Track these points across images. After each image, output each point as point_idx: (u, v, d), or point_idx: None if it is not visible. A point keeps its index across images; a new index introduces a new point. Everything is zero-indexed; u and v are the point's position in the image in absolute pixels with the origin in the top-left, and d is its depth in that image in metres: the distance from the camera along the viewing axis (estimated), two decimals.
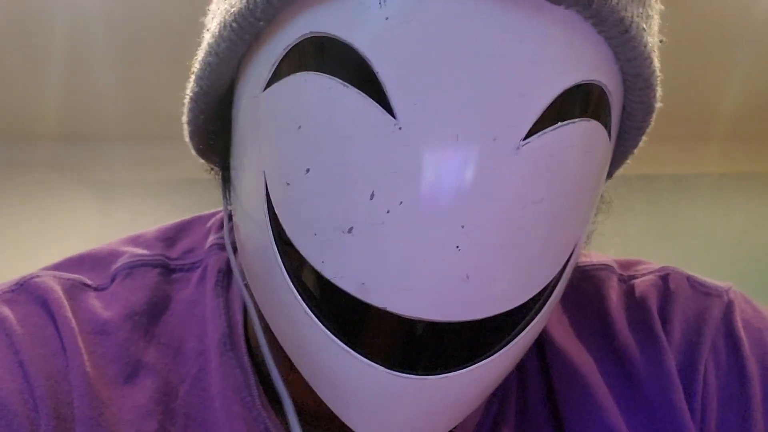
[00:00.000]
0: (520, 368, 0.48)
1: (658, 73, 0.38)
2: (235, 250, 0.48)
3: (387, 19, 0.32)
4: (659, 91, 0.39)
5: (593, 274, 0.51)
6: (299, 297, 0.36)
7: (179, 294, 0.48)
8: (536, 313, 0.38)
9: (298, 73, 0.35)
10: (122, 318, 0.46)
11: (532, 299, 0.36)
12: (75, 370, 0.42)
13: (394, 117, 0.32)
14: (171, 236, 0.52)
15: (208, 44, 0.39)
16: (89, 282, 0.47)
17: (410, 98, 0.32)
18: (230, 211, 0.45)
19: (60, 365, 0.43)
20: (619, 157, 0.43)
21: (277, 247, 0.37)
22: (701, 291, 0.49)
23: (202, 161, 0.47)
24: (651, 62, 0.37)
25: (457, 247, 0.33)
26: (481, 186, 0.32)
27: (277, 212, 0.36)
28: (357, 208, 0.33)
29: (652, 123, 0.41)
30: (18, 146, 2.56)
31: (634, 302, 0.49)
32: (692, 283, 0.50)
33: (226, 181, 0.44)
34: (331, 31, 0.34)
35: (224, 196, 0.45)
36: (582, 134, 0.35)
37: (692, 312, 0.48)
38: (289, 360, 0.42)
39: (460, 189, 0.32)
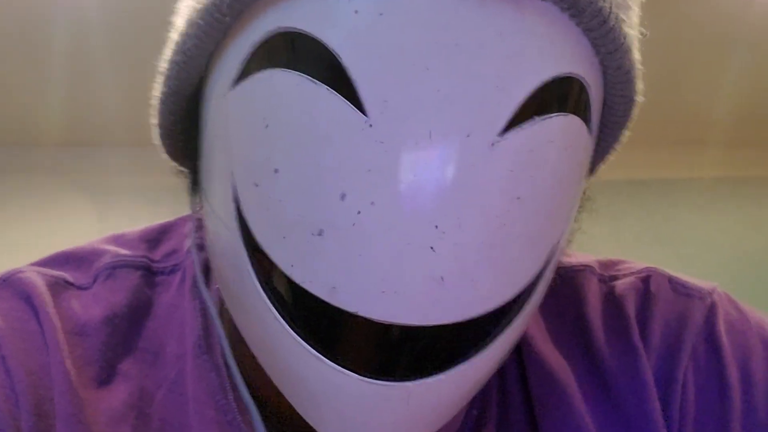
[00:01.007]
0: (501, 373, 0.47)
1: (638, 65, 0.37)
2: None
3: (356, 12, 0.31)
4: (640, 85, 0.38)
5: (572, 276, 0.50)
6: (269, 303, 0.35)
7: (161, 297, 0.48)
8: (516, 314, 0.37)
9: (266, 70, 0.34)
10: (101, 321, 0.45)
11: (512, 300, 0.35)
12: (56, 366, 0.42)
13: (364, 114, 0.31)
14: (155, 237, 0.51)
15: (176, 43, 0.37)
16: (72, 280, 0.47)
17: (381, 94, 0.31)
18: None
19: (42, 361, 0.42)
20: (600, 152, 0.42)
21: (247, 251, 0.36)
22: (683, 293, 0.48)
23: (173, 164, 0.46)
24: (631, 54, 0.36)
25: (432, 248, 0.31)
26: (456, 184, 0.31)
27: (245, 215, 0.35)
28: (327, 209, 0.32)
29: (634, 117, 0.40)
30: (17, 152, 2.56)
31: (612, 306, 0.48)
32: (674, 284, 0.48)
33: (196, 184, 0.43)
34: (298, 26, 0.32)
35: (192, 200, 0.44)
36: (561, 129, 0.34)
37: (673, 315, 0.47)
38: None
39: (434, 188, 0.31)
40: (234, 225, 0.36)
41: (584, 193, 0.41)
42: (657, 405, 0.44)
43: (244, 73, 0.35)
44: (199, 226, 0.48)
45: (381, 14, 0.31)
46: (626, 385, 0.45)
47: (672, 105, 2.43)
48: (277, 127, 0.33)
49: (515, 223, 0.33)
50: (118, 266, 0.48)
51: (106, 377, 0.44)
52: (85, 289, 0.47)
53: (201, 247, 0.48)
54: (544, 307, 0.48)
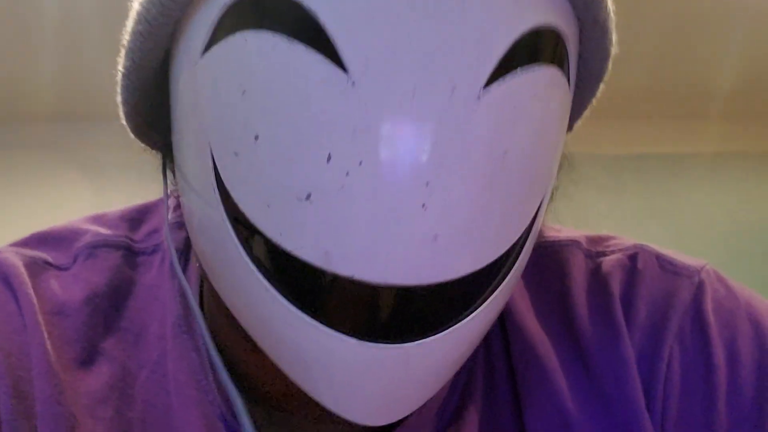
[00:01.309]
0: (486, 345, 0.47)
1: (612, 16, 0.37)
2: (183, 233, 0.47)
3: None
4: (615, 36, 0.38)
5: (558, 250, 0.49)
6: (258, 273, 0.35)
7: (142, 278, 0.47)
8: (508, 271, 0.36)
9: (238, 33, 0.33)
10: (82, 301, 0.44)
11: (501, 257, 0.35)
12: (35, 347, 0.41)
13: (345, 72, 0.30)
14: (136, 217, 0.50)
15: (138, 12, 0.36)
16: (51, 260, 0.46)
17: (362, 51, 0.30)
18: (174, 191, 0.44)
19: (20, 342, 0.42)
20: (577, 108, 0.42)
21: (230, 222, 0.35)
22: (670, 271, 0.47)
23: (141, 144, 0.45)
24: (606, 6, 0.36)
25: (423, 205, 0.31)
26: (444, 140, 0.31)
27: (227, 185, 0.34)
28: (314, 172, 0.31)
29: (609, 69, 0.40)
30: (11, 127, 2.54)
31: (597, 284, 0.47)
32: (662, 262, 0.48)
33: (169, 161, 0.42)
34: None
35: (164, 177, 0.43)
36: (543, 80, 0.34)
37: (659, 294, 0.46)
38: (250, 341, 0.41)
39: (422, 144, 0.31)
40: (215, 198, 0.35)
41: (563, 153, 0.41)
42: (637, 383, 0.44)
43: (215, 38, 0.34)
44: (178, 204, 0.48)
45: None
46: (605, 362, 0.45)
47: (672, 79, 2.42)
48: (255, 92, 0.32)
49: (503, 177, 0.33)
50: (98, 246, 0.47)
51: (87, 358, 0.43)
52: (65, 269, 0.46)
53: (181, 225, 0.47)
54: (529, 281, 0.48)
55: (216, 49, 0.34)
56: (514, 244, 0.36)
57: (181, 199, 0.41)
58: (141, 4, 0.36)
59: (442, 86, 0.31)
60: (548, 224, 0.50)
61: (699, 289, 0.46)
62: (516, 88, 0.32)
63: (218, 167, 0.35)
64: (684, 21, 2.12)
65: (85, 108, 2.52)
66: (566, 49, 0.35)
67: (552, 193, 0.40)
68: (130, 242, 0.48)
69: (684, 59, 2.33)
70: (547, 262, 0.49)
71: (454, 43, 0.31)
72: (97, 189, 2.57)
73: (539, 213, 0.37)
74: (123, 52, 0.39)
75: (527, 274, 0.47)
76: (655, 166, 2.83)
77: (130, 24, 0.37)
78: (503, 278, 0.37)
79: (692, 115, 2.72)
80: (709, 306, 0.46)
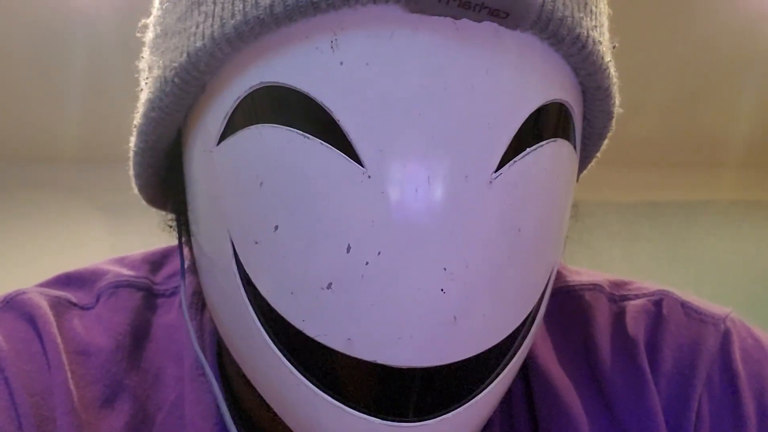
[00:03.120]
0: (506, 393, 0.46)
1: (615, 80, 0.38)
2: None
3: (342, 63, 0.31)
4: (617, 98, 0.39)
5: (581, 294, 0.49)
6: (279, 354, 0.35)
7: (161, 319, 0.48)
8: (523, 339, 0.37)
9: (253, 126, 0.33)
10: (105, 339, 0.45)
11: (517, 328, 0.36)
12: (59, 387, 0.42)
13: (361, 165, 0.31)
14: (156, 260, 0.51)
15: (149, 100, 0.37)
16: (75, 300, 0.47)
17: (376, 144, 0.31)
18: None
19: (44, 382, 0.42)
20: (583, 162, 0.43)
21: (252, 306, 0.35)
22: (696, 318, 0.47)
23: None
24: (609, 72, 0.36)
25: (442, 290, 0.31)
26: (459, 226, 0.31)
27: (248, 272, 0.35)
28: (334, 263, 0.32)
29: (613, 127, 0.41)
30: (33, 169, 2.58)
31: (621, 329, 0.47)
32: (687, 309, 0.48)
33: (183, 226, 0.43)
34: (282, 80, 0.32)
35: (180, 243, 0.44)
36: (552, 155, 0.34)
37: (686, 341, 0.46)
38: (264, 401, 0.41)
39: (438, 232, 0.31)
40: (236, 281, 0.35)
41: (574, 202, 0.41)
42: (662, 429, 0.43)
43: (229, 128, 0.34)
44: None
45: (367, 64, 0.31)
46: (630, 408, 0.44)
47: (687, 127, 2.42)
48: (273, 185, 0.33)
49: (518, 254, 0.34)
50: (120, 286, 0.48)
51: (109, 396, 0.44)
52: (88, 309, 0.47)
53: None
54: (551, 324, 0.48)
55: (231, 139, 0.34)
56: (530, 313, 0.36)
57: (197, 263, 0.41)
58: (152, 92, 0.36)
59: (455, 175, 0.31)
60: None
61: (725, 337, 0.46)
62: (526, 169, 0.33)
63: (238, 253, 0.35)
64: (698, 69, 2.14)
65: (106, 151, 2.55)
66: (572, 119, 0.36)
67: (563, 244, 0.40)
68: (150, 284, 0.49)
69: (699, 108, 2.34)
70: (570, 307, 0.49)
71: (465, 132, 0.31)
72: (116, 231, 2.59)
73: (552, 275, 0.38)
74: (134, 132, 0.39)
75: (550, 319, 0.47)
76: (670, 213, 2.83)
77: (141, 108, 0.38)
78: (520, 345, 0.37)
79: (707, 164, 2.72)
80: (737, 355, 0.45)
